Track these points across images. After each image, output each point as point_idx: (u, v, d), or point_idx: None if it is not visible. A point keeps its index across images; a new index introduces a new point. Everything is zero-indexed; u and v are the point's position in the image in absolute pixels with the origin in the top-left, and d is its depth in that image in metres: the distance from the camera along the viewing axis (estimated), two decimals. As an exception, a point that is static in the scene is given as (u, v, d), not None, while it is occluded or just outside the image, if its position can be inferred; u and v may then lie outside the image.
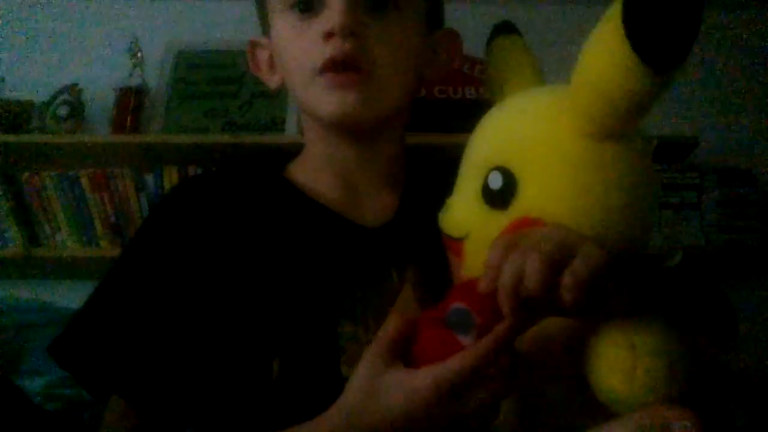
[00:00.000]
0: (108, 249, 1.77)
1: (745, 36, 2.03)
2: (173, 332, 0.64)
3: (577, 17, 2.16)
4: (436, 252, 0.62)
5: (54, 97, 1.85)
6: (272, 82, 0.73)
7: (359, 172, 0.71)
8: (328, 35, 0.63)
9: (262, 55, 0.74)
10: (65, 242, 1.79)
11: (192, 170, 1.80)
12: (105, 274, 0.69)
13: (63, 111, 1.83)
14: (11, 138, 1.76)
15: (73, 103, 1.84)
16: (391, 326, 0.52)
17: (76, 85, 1.86)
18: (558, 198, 0.51)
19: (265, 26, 0.73)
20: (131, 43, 1.87)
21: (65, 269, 1.83)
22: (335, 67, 0.63)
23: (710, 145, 1.88)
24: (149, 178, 1.81)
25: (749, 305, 1.68)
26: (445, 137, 1.74)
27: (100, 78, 1.90)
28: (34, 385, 1.30)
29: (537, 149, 0.53)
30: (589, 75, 0.50)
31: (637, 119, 0.52)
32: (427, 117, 1.53)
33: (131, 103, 1.83)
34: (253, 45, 0.75)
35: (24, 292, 1.69)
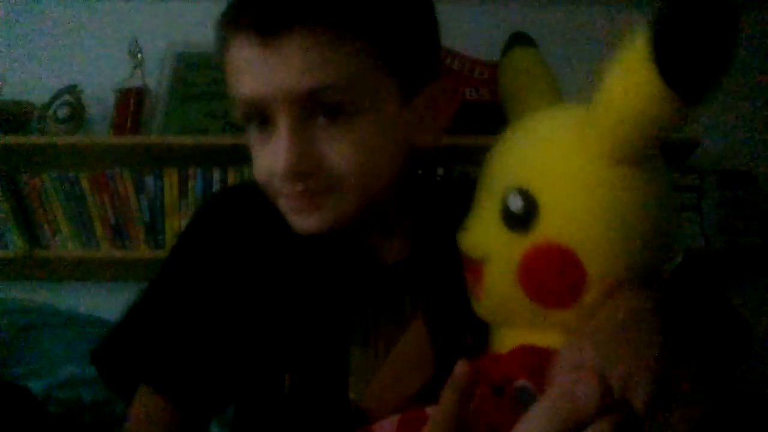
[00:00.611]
0: (108, 250, 1.77)
1: (745, 36, 2.02)
2: (203, 340, 0.66)
3: (580, 19, 2.17)
4: (451, 283, 0.60)
5: (54, 98, 1.85)
6: None
7: (370, 232, 0.68)
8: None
9: None
10: (65, 243, 1.79)
11: (192, 171, 1.80)
12: (145, 289, 0.71)
13: (63, 112, 1.83)
14: (11, 139, 1.76)
15: (73, 105, 1.84)
16: (449, 402, 0.46)
17: (76, 86, 1.86)
18: (581, 223, 0.50)
19: None
20: (131, 43, 1.86)
21: (65, 270, 1.83)
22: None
23: (710, 147, 1.88)
24: (149, 180, 1.80)
25: (749, 307, 1.68)
26: (446, 137, 1.74)
27: (101, 79, 1.90)
28: (33, 386, 1.29)
29: (558, 172, 0.52)
30: (614, 100, 0.48)
31: (660, 142, 0.51)
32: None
33: (131, 104, 1.83)
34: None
35: (24, 292, 1.69)
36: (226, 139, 1.77)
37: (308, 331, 0.64)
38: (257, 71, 0.56)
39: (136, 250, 1.77)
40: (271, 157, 0.58)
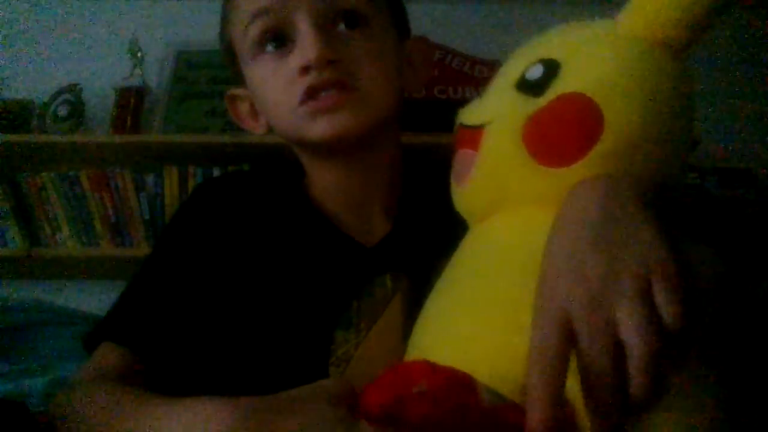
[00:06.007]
0: (108, 249, 1.78)
1: (745, 36, 2.03)
2: (190, 314, 0.66)
3: (581, 18, 2.16)
4: (430, 261, 0.59)
5: (54, 97, 1.85)
6: (257, 128, 0.74)
7: (360, 193, 0.72)
8: (305, 69, 0.62)
9: (243, 107, 0.75)
10: (65, 242, 1.79)
11: (192, 170, 1.80)
12: (137, 273, 0.71)
13: (63, 111, 1.83)
14: (11, 138, 1.76)
15: (73, 103, 1.84)
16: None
17: (76, 84, 1.86)
18: (607, 76, 0.47)
19: (239, 78, 0.73)
20: (131, 43, 1.87)
21: (65, 269, 1.83)
22: (315, 94, 0.63)
23: (711, 145, 1.88)
24: (149, 178, 1.81)
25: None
26: (446, 137, 1.74)
27: (101, 78, 1.90)
28: (34, 384, 1.30)
29: (589, 44, 0.50)
30: None
31: (695, 37, 0.49)
32: (427, 117, 1.53)
33: (131, 103, 1.83)
34: (232, 98, 0.75)
35: (24, 291, 1.69)
36: (226, 138, 1.77)
37: (294, 316, 0.65)
38: None
39: (136, 249, 1.77)
40: (298, 57, 0.63)
